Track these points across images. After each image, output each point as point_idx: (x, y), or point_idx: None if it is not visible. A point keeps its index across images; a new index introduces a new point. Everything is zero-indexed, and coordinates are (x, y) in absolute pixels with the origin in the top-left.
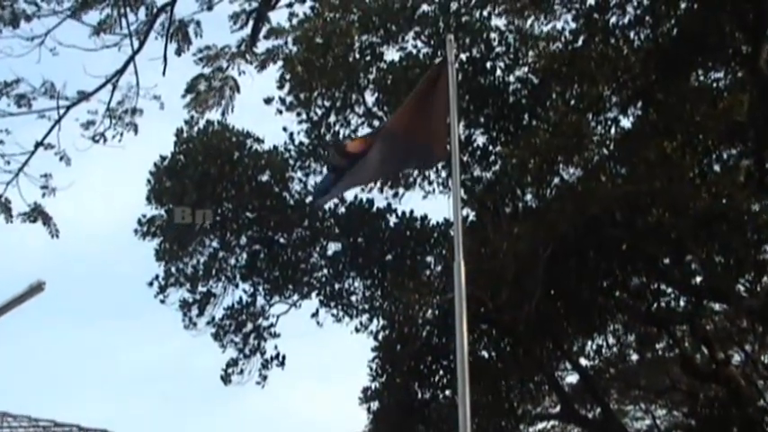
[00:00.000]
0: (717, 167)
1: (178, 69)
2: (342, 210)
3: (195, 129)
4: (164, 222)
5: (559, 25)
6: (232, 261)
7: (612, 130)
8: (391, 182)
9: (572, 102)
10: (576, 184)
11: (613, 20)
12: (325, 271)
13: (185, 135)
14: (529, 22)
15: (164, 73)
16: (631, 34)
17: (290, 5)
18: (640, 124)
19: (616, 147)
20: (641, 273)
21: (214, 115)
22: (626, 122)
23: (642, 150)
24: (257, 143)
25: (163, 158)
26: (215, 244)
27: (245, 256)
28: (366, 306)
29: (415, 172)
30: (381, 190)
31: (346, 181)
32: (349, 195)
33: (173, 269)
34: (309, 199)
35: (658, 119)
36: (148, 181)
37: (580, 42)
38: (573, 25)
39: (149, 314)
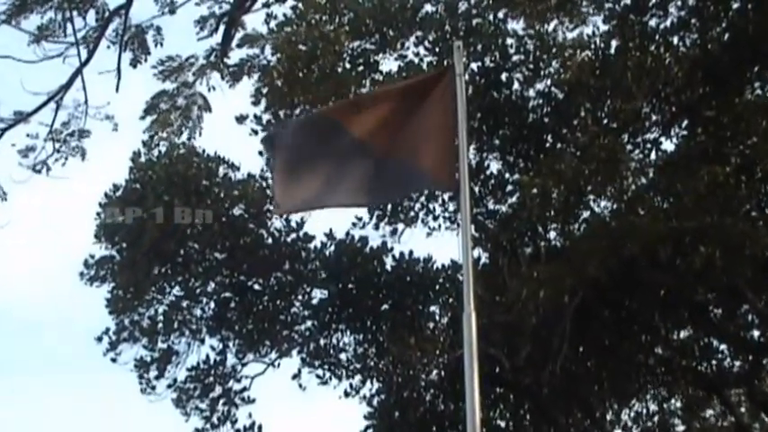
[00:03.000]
0: None
1: (135, 84)
2: (329, 249)
3: (155, 152)
4: (115, 264)
5: (588, 29)
6: (197, 312)
7: (653, 155)
8: (389, 216)
9: (604, 120)
10: (610, 220)
11: (653, 22)
12: (309, 323)
13: (143, 160)
14: (552, 25)
15: (117, 88)
16: (674, 39)
17: (267, 6)
18: (686, 147)
19: (657, 174)
20: (688, 325)
21: (180, 138)
22: (669, 145)
23: (688, 178)
24: (230, 170)
25: (116, 188)
26: (177, 291)
27: (212, 305)
28: (358, 365)
29: (417, 204)
30: (377, 226)
31: (321, 196)
32: (339, 232)
33: (126, 321)
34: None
35: (707, 140)
36: (98, 215)
37: (613, 49)
38: (604, 29)
39: (98, 375)
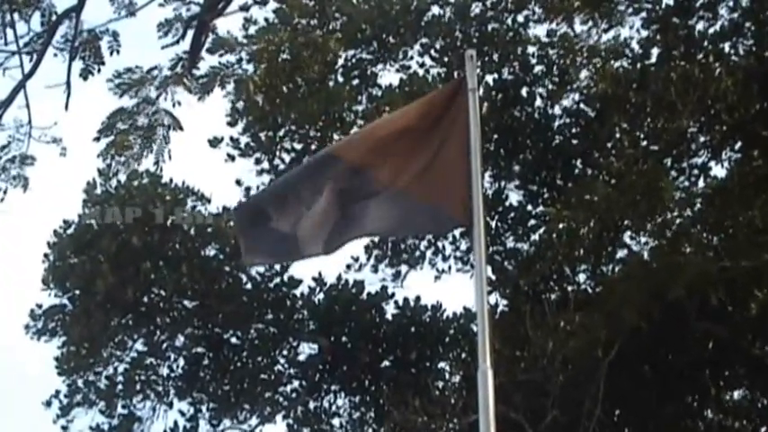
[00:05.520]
0: None
1: (88, 100)
2: (319, 296)
3: (113, 183)
4: (67, 315)
5: (625, 33)
6: (164, 370)
7: (701, 182)
8: (389, 256)
9: (643, 142)
10: (650, 259)
11: (700, 26)
12: (296, 383)
13: (99, 192)
14: (581, 29)
15: (66, 106)
16: (726, 47)
17: (244, 9)
18: (739, 173)
19: (706, 205)
20: (744, 383)
21: (142, 165)
22: (719, 171)
23: (742, 210)
24: (201, 202)
25: (66, 225)
26: (140, 346)
27: (182, 362)
28: None
29: (423, 243)
30: (375, 268)
31: (306, 240)
32: (330, 276)
33: (80, 382)
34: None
35: (765, 165)
36: (46, 257)
37: (653, 58)
38: (643, 34)
39: None
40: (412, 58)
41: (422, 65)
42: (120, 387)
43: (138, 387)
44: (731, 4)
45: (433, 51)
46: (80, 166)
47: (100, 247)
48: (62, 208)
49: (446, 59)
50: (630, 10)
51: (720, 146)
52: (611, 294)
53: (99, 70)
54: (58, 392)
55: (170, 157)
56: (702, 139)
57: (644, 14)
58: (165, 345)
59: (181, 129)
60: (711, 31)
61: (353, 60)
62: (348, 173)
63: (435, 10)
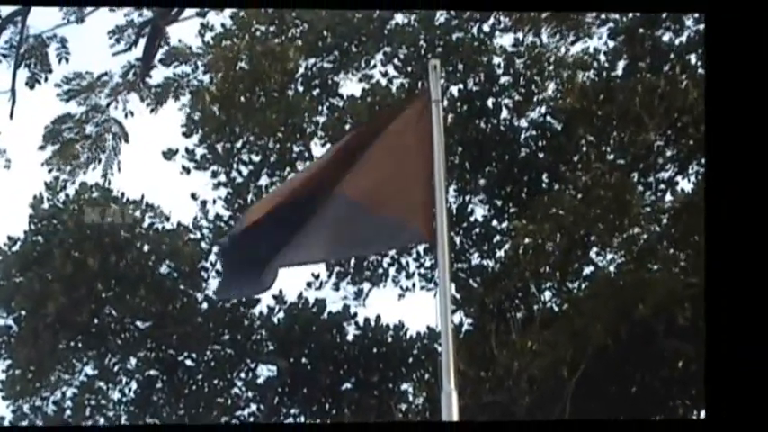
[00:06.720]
0: None
1: (33, 109)
2: (278, 316)
3: (61, 197)
4: (12, 337)
5: (592, 45)
6: (115, 394)
7: (668, 197)
8: (351, 273)
9: (609, 156)
10: (617, 276)
11: (666, 38)
12: (254, 407)
13: (46, 207)
14: (548, 40)
15: (11, 115)
16: (692, 58)
17: (200, 15)
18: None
19: (673, 220)
20: None
21: (90, 177)
22: (686, 185)
23: None
24: (156, 218)
25: (12, 242)
26: (90, 369)
27: (134, 386)
28: None
29: (386, 260)
30: (336, 286)
31: (269, 266)
32: (290, 294)
33: (26, 407)
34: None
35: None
36: None
37: (620, 70)
38: (611, 45)
39: None
40: (374, 67)
41: (384, 74)
42: (68, 412)
43: (87, 412)
44: (696, 14)
45: (396, 60)
46: (26, 180)
47: (49, 266)
48: (6, 224)
49: (409, 69)
50: (598, 21)
51: (687, 160)
52: (577, 312)
53: (46, 78)
54: (2, 418)
55: (119, 169)
56: (669, 152)
57: (611, 25)
58: (116, 368)
59: (126, 140)
60: (677, 42)
61: (314, 69)
62: (318, 195)
63: (399, 18)
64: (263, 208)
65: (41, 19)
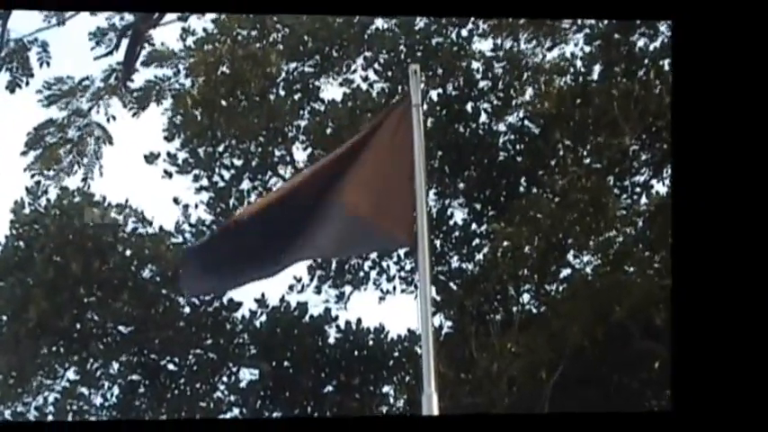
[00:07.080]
0: None
1: (14, 115)
2: (260, 319)
3: (42, 201)
4: None
5: (569, 50)
6: (97, 399)
7: (643, 200)
8: (333, 277)
9: (586, 159)
10: (594, 278)
11: (641, 43)
12: (236, 411)
13: (27, 212)
14: (525, 45)
15: None
16: (666, 64)
17: (182, 19)
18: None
19: (648, 223)
20: None
21: (72, 181)
22: (661, 188)
23: None
24: (138, 223)
25: None
26: (72, 374)
27: (116, 390)
28: None
29: (367, 263)
30: (318, 289)
31: (246, 269)
32: (272, 298)
33: (7, 413)
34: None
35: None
36: None
37: (596, 74)
38: (587, 50)
39: None
40: (355, 71)
41: (365, 78)
42: (50, 418)
43: (69, 418)
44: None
45: (376, 65)
46: (7, 185)
47: (30, 271)
48: None
49: (389, 74)
50: (574, 27)
51: (662, 163)
52: (555, 314)
53: (27, 83)
54: None
55: (101, 174)
56: (644, 156)
57: (587, 31)
58: (98, 372)
59: (110, 143)
60: (652, 47)
61: (295, 74)
62: (298, 198)
63: (379, 23)
64: (247, 211)
65: (22, 22)
